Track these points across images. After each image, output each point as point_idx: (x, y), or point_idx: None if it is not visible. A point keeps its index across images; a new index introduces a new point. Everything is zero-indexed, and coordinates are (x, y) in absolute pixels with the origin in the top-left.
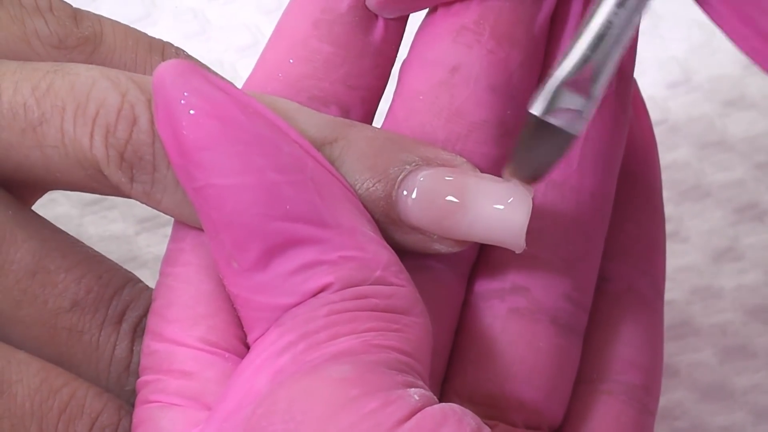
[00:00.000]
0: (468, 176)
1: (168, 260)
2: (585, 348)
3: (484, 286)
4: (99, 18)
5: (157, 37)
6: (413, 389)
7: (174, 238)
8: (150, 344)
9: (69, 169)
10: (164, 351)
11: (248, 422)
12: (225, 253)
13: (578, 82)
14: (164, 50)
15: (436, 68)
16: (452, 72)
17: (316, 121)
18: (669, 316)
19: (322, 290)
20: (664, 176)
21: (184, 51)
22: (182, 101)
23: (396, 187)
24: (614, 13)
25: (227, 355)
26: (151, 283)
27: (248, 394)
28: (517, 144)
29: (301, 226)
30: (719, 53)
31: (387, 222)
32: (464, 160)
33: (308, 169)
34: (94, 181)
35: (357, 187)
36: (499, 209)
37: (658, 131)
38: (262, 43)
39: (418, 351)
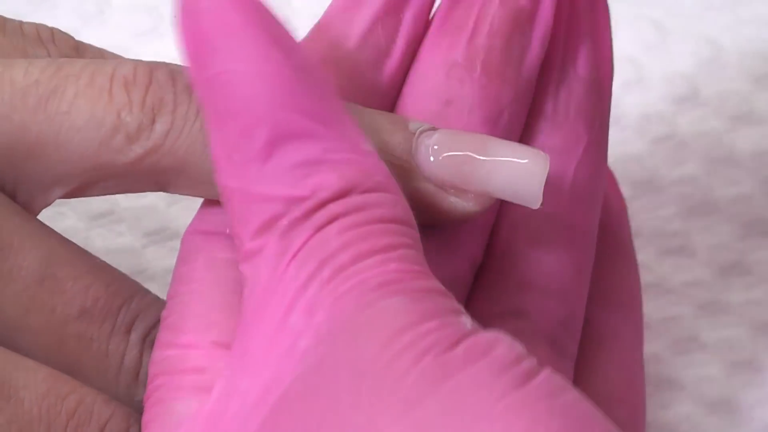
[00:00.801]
0: (488, 140)
1: (180, 280)
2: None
3: (483, 311)
4: (101, 52)
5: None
6: (463, 317)
7: (185, 260)
8: (160, 353)
9: (83, 136)
10: (176, 356)
11: (305, 356)
12: (229, 143)
13: None
14: None
15: (430, 101)
16: (446, 104)
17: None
18: (676, 330)
19: (321, 188)
20: (673, 191)
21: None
22: None
23: (416, 138)
24: None
25: None
26: (160, 296)
27: (282, 330)
28: None
29: (309, 121)
30: (728, 68)
31: (404, 171)
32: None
33: (320, 76)
34: (106, 149)
35: (379, 134)
36: (517, 163)
37: (665, 146)
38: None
39: (428, 269)
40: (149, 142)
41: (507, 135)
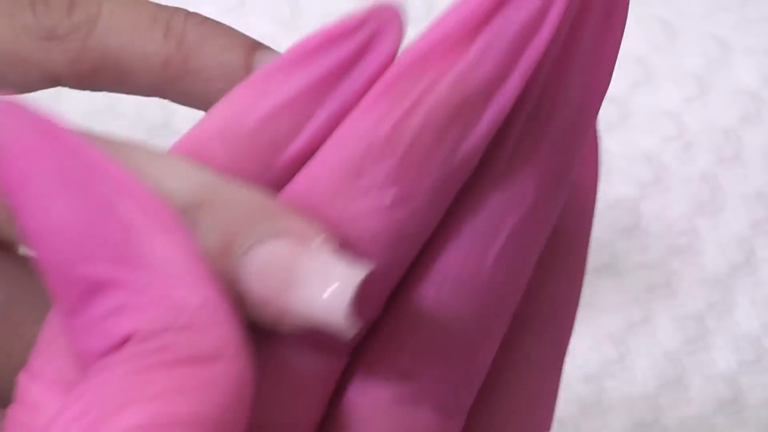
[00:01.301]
0: (303, 255)
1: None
2: (471, 420)
3: (369, 369)
4: (100, 1)
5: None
6: None
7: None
8: (19, 377)
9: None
10: (23, 385)
11: None
12: (51, 295)
13: None
14: (170, 22)
15: (340, 170)
16: (355, 177)
17: (182, 183)
18: (686, 327)
19: (129, 336)
20: (681, 190)
21: (198, 16)
22: None
23: (237, 261)
24: None
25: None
26: None
27: None
28: None
29: (111, 266)
30: (736, 67)
31: (232, 293)
32: (322, 237)
33: (124, 206)
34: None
35: (208, 256)
36: (318, 295)
37: (674, 146)
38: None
39: (223, 406)
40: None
41: (418, 220)
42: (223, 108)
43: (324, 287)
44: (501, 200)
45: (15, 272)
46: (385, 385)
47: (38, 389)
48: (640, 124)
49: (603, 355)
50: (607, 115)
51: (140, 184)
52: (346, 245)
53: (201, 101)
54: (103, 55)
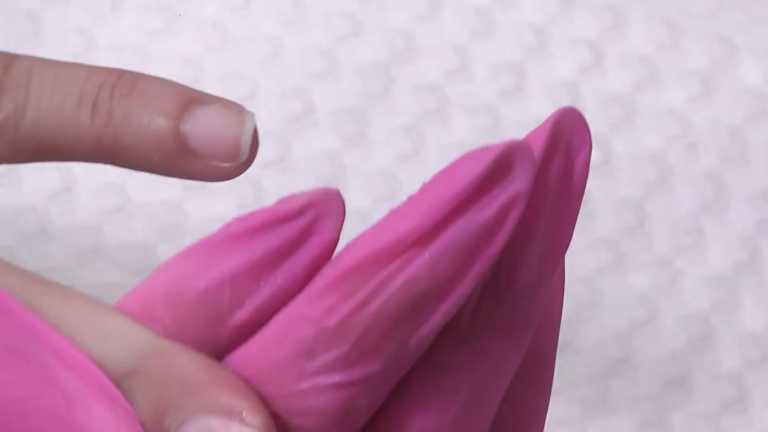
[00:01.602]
0: (230, 430)
1: None
2: None
3: None
4: (28, 81)
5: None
6: None
7: None
8: None
9: None
10: None
11: None
12: None
13: None
14: (97, 99)
15: (292, 344)
16: (306, 357)
17: (122, 347)
18: (692, 327)
19: None
20: (686, 189)
21: (126, 82)
22: None
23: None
24: None
25: None
26: None
27: None
28: None
29: None
30: (741, 66)
31: None
32: (250, 408)
33: (63, 375)
34: None
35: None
36: None
37: (678, 146)
38: (282, 56)
39: None
40: None
41: (368, 396)
42: (167, 272)
43: None
44: (460, 363)
45: None
46: None
47: None
48: (645, 124)
49: (608, 355)
50: (612, 115)
51: (78, 351)
52: (295, 417)
53: (145, 171)
54: (38, 143)
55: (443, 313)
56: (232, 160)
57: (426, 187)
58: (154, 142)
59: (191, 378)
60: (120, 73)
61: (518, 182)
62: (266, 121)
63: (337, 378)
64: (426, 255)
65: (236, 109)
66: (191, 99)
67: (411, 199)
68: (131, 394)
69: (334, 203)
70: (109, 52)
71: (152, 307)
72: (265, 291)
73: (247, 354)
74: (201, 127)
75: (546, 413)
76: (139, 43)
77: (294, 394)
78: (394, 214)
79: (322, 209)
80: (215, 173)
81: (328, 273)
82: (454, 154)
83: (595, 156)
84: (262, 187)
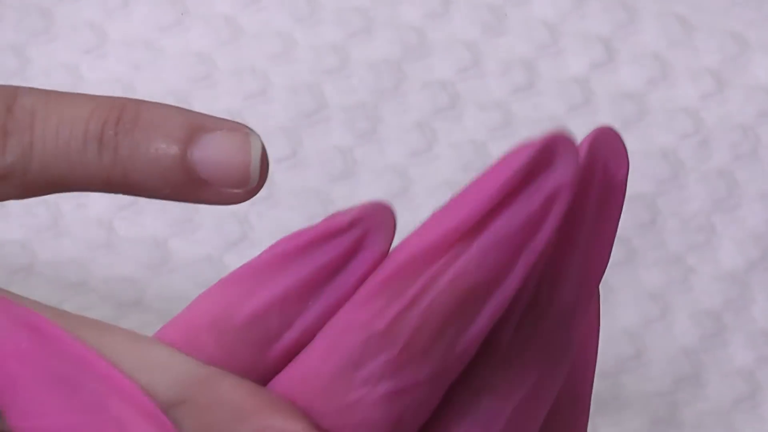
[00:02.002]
0: None
1: None
2: None
3: None
4: (32, 122)
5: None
6: None
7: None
8: None
9: None
10: None
11: None
12: None
13: None
14: (102, 135)
15: (341, 357)
16: (355, 368)
17: (167, 377)
18: (703, 323)
19: None
20: (698, 186)
21: (131, 115)
22: None
23: None
24: None
25: None
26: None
27: None
28: None
29: None
30: (753, 63)
31: None
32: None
33: (114, 404)
34: None
35: None
36: None
37: (690, 143)
38: (294, 52)
39: None
40: None
41: (416, 408)
42: (211, 299)
43: None
44: (503, 381)
45: None
46: None
47: None
48: (657, 121)
49: (619, 351)
50: (624, 112)
51: (127, 380)
52: None
53: (159, 199)
54: (48, 183)
55: (490, 313)
56: (243, 186)
57: (469, 186)
58: (164, 175)
59: (240, 404)
60: (122, 106)
61: (562, 172)
62: (278, 117)
63: (386, 386)
64: (473, 248)
65: (242, 134)
66: (196, 127)
67: (454, 198)
68: (179, 424)
69: (385, 217)
70: (120, 47)
71: (196, 336)
72: (315, 310)
73: (293, 374)
74: (208, 155)
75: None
76: (151, 38)
77: (344, 408)
78: (438, 213)
79: (372, 223)
80: (228, 199)
81: (375, 277)
82: (465, 151)
83: None
84: (274, 182)
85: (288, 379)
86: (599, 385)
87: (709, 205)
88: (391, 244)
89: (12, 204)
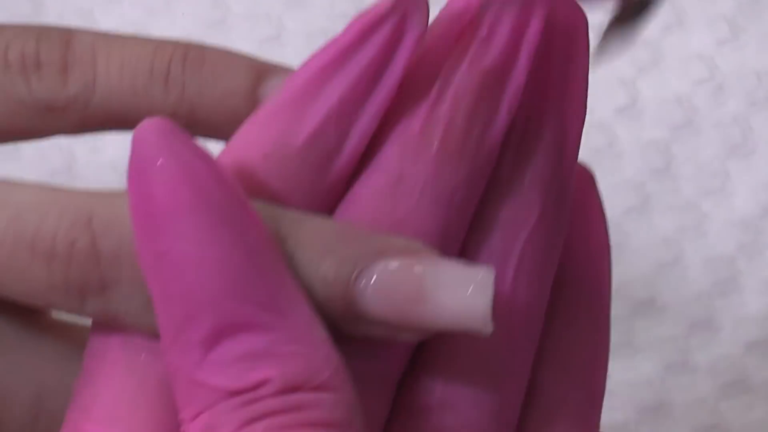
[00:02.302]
0: (425, 265)
1: (93, 355)
2: None
3: (409, 401)
4: (93, 56)
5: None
6: None
7: (99, 332)
8: None
9: (24, 299)
10: None
11: None
12: (174, 324)
13: None
14: (169, 73)
15: (380, 177)
16: (397, 183)
17: (268, 215)
18: (717, 269)
19: (263, 383)
20: (713, 132)
21: (197, 55)
22: (159, 162)
23: (352, 285)
24: None
25: None
26: None
27: None
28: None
29: (257, 311)
30: (746, 48)
31: (348, 319)
32: (420, 244)
33: (272, 255)
34: (52, 306)
35: (313, 288)
36: (460, 297)
37: (705, 89)
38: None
39: None
40: (86, 313)
41: (458, 215)
42: (257, 136)
43: (461, 292)
44: (510, 214)
45: (43, 362)
46: (425, 416)
47: None
48: (672, 67)
49: (633, 296)
50: (638, 59)
51: (269, 229)
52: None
53: (216, 139)
54: (107, 118)
55: (508, 104)
56: None
57: None
58: (229, 115)
59: (349, 232)
60: (186, 46)
61: None
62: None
63: (430, 194)
64: (478, 35)
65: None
66: (262, 70)
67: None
68: (289, 256)
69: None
70: None
71: (252, 173)
72: (369, 112)
73: (347, 211)
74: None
75: (606, 354)
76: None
77: (395, 223)
78: (443, 11)
79: (407, 6)
80: None
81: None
82: None
83: (622, 99)
84: None
85: (344, 214)
86: (613, 330)
87: (723, 151)
88: (428, 23)
89: (25, 147)
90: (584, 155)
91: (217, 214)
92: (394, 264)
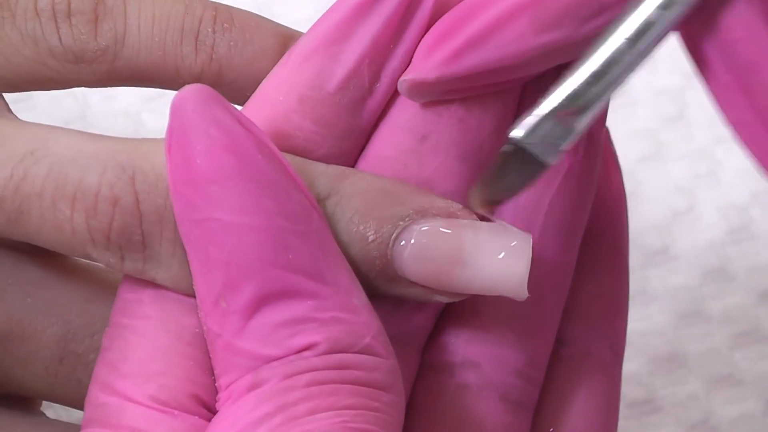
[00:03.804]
0: (464, 228)
1: (124, 310)
2: (537, 419)
3: (434, 359)
4: (124, 9)
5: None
6: None
7: (130, 288)
8: (99, 396)
9: (59, 250)
10: (114, 405)
11: None
12: (214, 291)
13: (563, 114)
14: (199, 34)
15: (405, 135)
16: (421, 140)
17: (309, 175)
18: (730, 217)
19: (307, 348)
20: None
21: (226, 18)
22: (201, 129)
23: (391, 245)
24: (619, 53)
25: (176, 413)
26: None
27: None
28: (489, 167)
29: (299, 278)
30: None
31: (385, 279)
32: (460, 206)
33: (314, 222)
34: (88, 259)
35: (352, 247)
36: (498, 261)
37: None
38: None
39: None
40: (125, 270)
41: (483, 170)
42: (288, 83)
43: (499, 255)
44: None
45: (71, 301)
46: (448, 375)
47: (135, 412)
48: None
49: (646, 245)
50: None
51: (315, 202)
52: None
53: (235, 102)
54: (132, 74)
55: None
56: None
57: None
58: (255, 79)
59: (391, 189)
60: (215, 7)
61: None
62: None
63: (453, 152)
64: None
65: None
66: (289, 36)
67: None
68: (329, 213)
69: None
70: None
71: (288, 118)
72: (399, 53)
73: (371, 159)
74: None
75: (626, 307)
76: None
77: (424, 181)
78: None
79: None
80: None
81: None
82: None
83: None
84: None
85: (367, 163)
86: None
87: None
88: None
89: (39, 95)
90: None
91: (260, 182)
92: (434, 225)
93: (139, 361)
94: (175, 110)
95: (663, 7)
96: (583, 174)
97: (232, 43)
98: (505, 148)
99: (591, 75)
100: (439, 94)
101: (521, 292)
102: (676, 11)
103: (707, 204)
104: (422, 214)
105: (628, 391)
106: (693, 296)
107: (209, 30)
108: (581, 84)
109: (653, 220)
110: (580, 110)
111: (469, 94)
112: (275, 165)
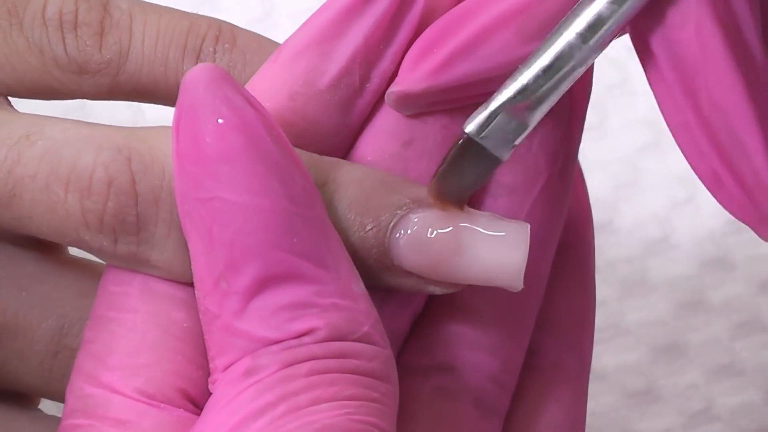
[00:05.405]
0: (461, 217)
1: (110, 303)
2: (507, 426)
3: (411, 362)
4: (130, 23)
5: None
6: None
7: (115, 281)
8: (83, 387)
9: (51, 236)
10: (99, 397)
11: None
12: (216, 271)
13: (517, 108)
14: (200, 53)
15: (390, 140)
16: (405, 145)
17: (306, 162)
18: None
19: (307, 333)
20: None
21: (228, 38)
22: (212, 108)
23: (388, 234)
24: (570, 48)
25: (162, 405)
26: None
27: None
28: (443, 162)
29: (303, 262)
30: None
31: (380, 268)
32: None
33: (318, 207)
34: (79, 244)
35: (349, 234)
36: (495, 251)
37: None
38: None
39: (391, 425)
40: (118, 254)
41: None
42: (279, 79)
43: (496, 245)
44: (517, 180)
45: (66, 295)
46: (424, 375)
47: (121, 404)
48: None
49: (647, 235)
50: None
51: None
52: None
53: None
54: (134, 89)
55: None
56: None
57: None
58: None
59: (385, 179)
60: (219, 26)
61: None
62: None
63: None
64: None
65: None
66: None
67: None
68: (327, 200)
69: None
70: None
71: (279, 115)
72: (390, 52)
73: (362, 151)
74: None
75: (593, 323)
76: None
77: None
78: None
79: None
80: None
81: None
82: None
83: None
84: None
85: (360, 154)
86: (626, 270)
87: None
88: None
89: None
90: (597, 93)
91: (267, 163)
92: (432, 214)
93: (127, 354)
94: (187, 88)
95: (615, 3)
96: (559, 189)
97: (231, 64)
98: (458, 141)
99: (541, 69)
100: (426, 105)
101: (517, 282)
102: (628, 7)
103: (707, 193)
104: (419, 204)
105: (628, 380)
106: (693, 286)
107: (210, 49)
108: (531, 78)
109: (653, 209)
110: (533, 105)
111: (455, 105)
112: (283, 148)
